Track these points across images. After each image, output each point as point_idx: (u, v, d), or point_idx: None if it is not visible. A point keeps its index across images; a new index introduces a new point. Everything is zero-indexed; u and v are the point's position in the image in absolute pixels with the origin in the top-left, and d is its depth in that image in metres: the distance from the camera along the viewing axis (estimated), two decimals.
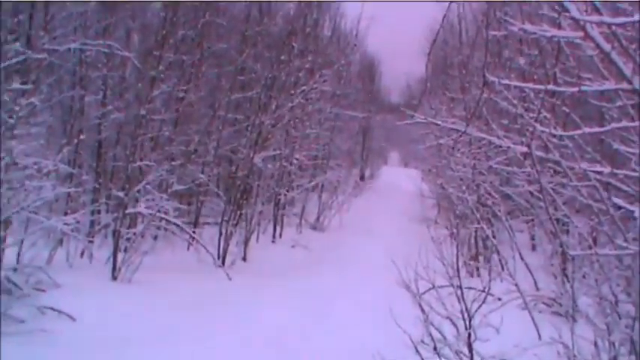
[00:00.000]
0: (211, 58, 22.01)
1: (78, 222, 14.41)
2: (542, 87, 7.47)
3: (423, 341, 9.07)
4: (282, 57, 20.80)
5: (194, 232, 18.82)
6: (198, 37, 20.42)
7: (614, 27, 5.61)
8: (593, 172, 8.43)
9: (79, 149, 17.72)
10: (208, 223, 21.35)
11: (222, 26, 22.18)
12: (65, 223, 13.38)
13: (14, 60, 13.62)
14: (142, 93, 17.29)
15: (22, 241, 13.35)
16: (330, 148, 30.95)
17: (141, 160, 17.05)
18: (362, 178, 47.90)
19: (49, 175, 13.33)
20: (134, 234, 15.90)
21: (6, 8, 15.22)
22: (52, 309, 11.91)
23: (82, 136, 17.04)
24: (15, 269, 12.66)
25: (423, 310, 9.35)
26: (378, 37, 46.34)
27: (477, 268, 18.07)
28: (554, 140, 10.27)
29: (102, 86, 18.57)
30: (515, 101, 11.79)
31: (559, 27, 7.28)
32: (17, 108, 12.41)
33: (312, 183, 28.35)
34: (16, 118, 12.37)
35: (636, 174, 7.89)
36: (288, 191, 25.10)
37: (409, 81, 59.77)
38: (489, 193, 17.33)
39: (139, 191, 16.47)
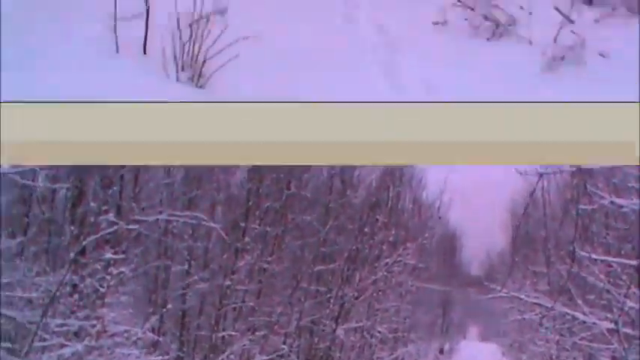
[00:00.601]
0: (295, 230, 22.23)
1: None
2: (633, 262, 7.48)
3: None
4: (365, 229, 21.02)
5: None
6: (282, 209, 20.68)
7: None
8: None
9: (163, 318, 17.87)
10: None
11: (306, 198, 22.50)
12: None
13: (107, 231, 14.05)
14: (227, 264, 17.53)
15: None
16: (411, 320, 30.73)
17: (224, 329, 17.14)
18: (441, 351, 47.13)
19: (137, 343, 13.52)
20: None
21: (97, 181, 15.84)
22: None
23: (168, 306, 17.24)
24: None
25: None
26: (458, 207, 46.36)
27: None
28: None
29: (187, 257, 18.80)
30: (602, 276, 11.70)
31: None
32: (108, 277, 12.77)
33: (393, 356, 28.00)
34: (106, 287, 12.71)
35: None
36: None
37: (490, 253, 59.49)
38: None
39: None
